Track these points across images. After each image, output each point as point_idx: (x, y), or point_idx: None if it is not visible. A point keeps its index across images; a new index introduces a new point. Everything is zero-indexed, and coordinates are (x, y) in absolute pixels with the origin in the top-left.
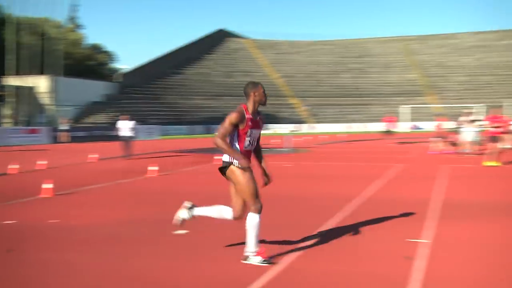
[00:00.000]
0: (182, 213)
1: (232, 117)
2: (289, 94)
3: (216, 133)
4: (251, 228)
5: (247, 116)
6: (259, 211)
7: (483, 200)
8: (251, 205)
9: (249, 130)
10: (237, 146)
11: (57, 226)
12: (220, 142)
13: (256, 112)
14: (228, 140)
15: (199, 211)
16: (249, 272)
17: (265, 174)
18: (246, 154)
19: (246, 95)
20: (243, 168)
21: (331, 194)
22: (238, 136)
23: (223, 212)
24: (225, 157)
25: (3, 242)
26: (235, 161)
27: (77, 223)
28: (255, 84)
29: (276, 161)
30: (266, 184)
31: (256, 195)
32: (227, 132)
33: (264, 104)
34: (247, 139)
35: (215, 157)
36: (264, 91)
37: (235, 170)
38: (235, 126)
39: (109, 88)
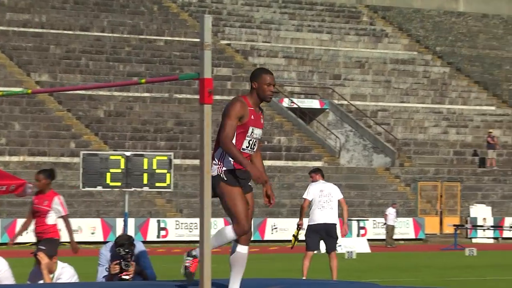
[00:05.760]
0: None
1: (235, 109)
2: None
3: (223, 133)
4: (235, 263)
5: (249, 108)
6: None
7: None
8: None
9: (250, 128)
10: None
11: None
12: (232, 148)
13: (258, 107)
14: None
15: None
16: None
17: (266, 193)
18: None
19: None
20: (259, 181)
21: None
22: (235, 135)
23: (224, 232)
24: (214, 171)
25: None
26: (223, 175)
27: None
28: (259, 72)
29: None
30: (268, 204)
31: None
32: (234, 130)
33: (266, 100)
34: (247, 139)
35: None
36: (269, 83)
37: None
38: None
39: None
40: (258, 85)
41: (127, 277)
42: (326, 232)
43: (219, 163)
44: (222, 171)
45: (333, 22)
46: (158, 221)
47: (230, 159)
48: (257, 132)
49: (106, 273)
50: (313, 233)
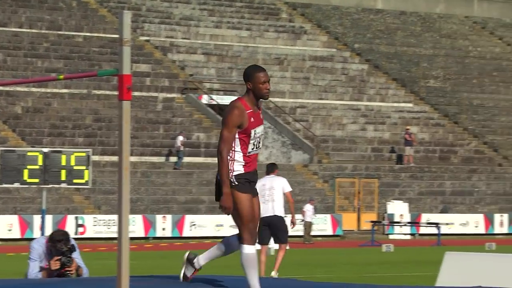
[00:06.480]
0: (186, 270)
1: (233, 119)
2: None
3: (221, 144)
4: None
5: (247, 112)
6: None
7: None
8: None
9: (252, 131)
10: (239, 154)
11: None
12: (225, 166)
13: (256, 105)
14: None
15: (203, 258)
16: None
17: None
18: (252, 161)
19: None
20: (222, 208)
21: None
22: (238, 140)
23: (230, 241)
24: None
25: None
26: (233, 179)
27: None
28: (252, 71)
29: None
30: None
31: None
32: (232, 141)
33: (264, 98)
34: (251, 142)
35: None
36: (264, 81)
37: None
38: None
39: None
40: (253, 85)
41: (68, 273)
42: (273, 225)
43: (230, 167)
44: (233, 176)
45: (252, 19)
46: (76, 218)
47: (240, 163)
48: (259, 130)
49: (38, 268)
50: (262, 227)
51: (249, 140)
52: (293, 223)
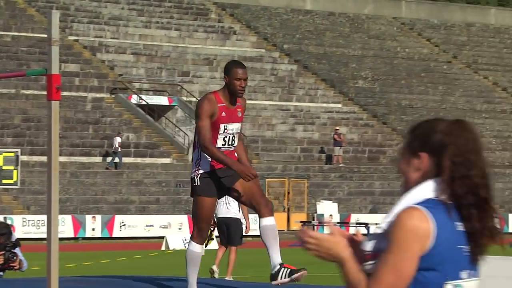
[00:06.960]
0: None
1: (203, 108)
2: None
3: (200, 138)
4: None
5: (218, 105)
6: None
7: None
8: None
9: (221, 126)
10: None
11: None
12: (213, 150)
13: (231, 101)
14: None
15: (275, 258)
16: None
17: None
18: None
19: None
20: (247, 179)
21: None
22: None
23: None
24: (191, 173)
25: None
26: (197, 179)
27: None
28: (230, 66)
29: None
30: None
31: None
32: (209, 131)
33: (237, 95)
34: (220, 137)
35: None
36: (240, 77)
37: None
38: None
39: None
40: (229, 80)
41: (13, 268)
42: (227, 226)
43: (196, 165)
44: (198, 175)
45: (181, 19)
46: (5, 218)
47: (208, 160)
48: (232, 127)
49: None
50: (220, 228)
51: (217, 134)
52: (246, 227)
